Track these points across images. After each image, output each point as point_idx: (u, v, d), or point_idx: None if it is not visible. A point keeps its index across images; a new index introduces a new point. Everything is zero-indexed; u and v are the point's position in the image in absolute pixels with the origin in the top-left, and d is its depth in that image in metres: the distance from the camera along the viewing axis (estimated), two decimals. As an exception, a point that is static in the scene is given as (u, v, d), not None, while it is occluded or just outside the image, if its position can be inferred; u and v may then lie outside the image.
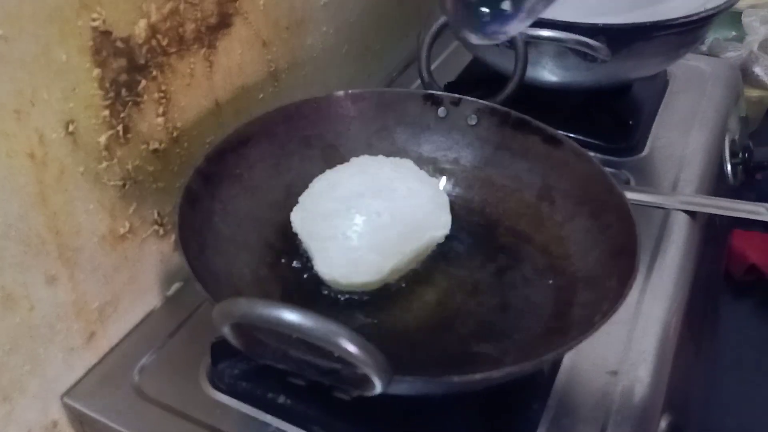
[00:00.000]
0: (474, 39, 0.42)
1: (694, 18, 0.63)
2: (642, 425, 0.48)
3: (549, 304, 0.50)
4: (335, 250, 0.49)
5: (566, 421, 0.48)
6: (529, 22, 0.43)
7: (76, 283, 0.47)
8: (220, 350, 0.49)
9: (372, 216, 0.50)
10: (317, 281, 0.51)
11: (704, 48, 1.09)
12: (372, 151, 0.58)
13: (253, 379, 0.49)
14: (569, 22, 0.62)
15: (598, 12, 0.71)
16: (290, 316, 0.31)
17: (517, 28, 0.43)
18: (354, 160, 0.56)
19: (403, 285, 0.52)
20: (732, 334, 0.83)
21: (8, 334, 0.43)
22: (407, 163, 0.56)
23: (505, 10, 0.42)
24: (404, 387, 0.38)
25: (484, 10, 0.41)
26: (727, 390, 0.78)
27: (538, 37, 0.62)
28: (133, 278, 0.52)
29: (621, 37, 0.63)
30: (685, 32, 0.65)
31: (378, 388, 0.34)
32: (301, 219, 0.52)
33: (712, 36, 1.10)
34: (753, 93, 1.07)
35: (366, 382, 0.34)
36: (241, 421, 0.48)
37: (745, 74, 1.07)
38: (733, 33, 1.11)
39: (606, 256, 0.48)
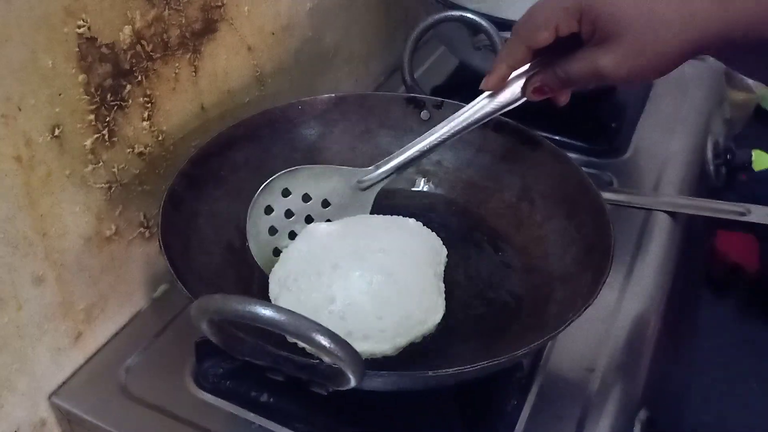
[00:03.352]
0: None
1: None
2: (619, 420, 0.49)
3: (527, 302, 0.51)
4: None
5: (545, 416, 0.49)
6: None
7: (63, 284, 0.48)
8: (205, 350, 0.50)
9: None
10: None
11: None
12: (355, 154, 0.59)
13: (237, 378, 0.50)
14: (549, 26, 0.63)
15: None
16: (265, 311, 0.32)
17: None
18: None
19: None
20: (712, 332, 0.84)
21: (-4, 333, 0.44)
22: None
23: None
24: (378, 382, 0.39)
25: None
26: (706, 386, 0.79)
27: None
28: (119, 280, 0.53)
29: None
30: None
31: (352, 382, 0.35)
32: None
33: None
34: (738, 96, 1.08)
35: (340, 376, 0.35)
36: (226, 419, 0.49)
37: (730, 77, 1.08)
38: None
39: (581, 255, 0.49)
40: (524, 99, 0.49)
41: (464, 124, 0.51)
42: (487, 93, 0.50)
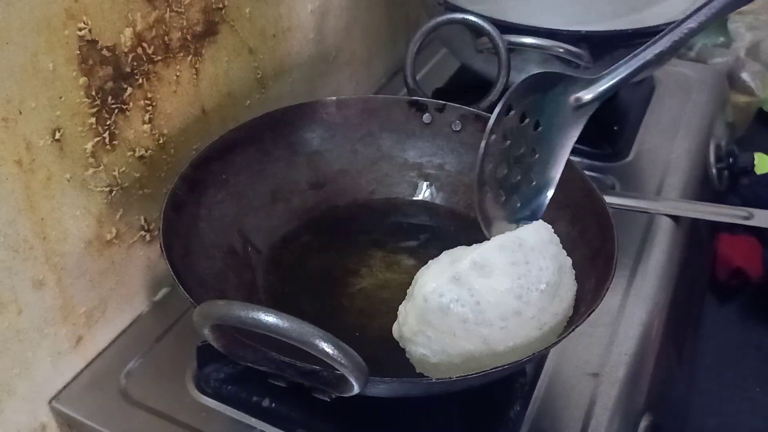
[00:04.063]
0: None
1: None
2: (622, 426, 0.49)
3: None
4: None
5: (548, 422, 0.49)
6: None
7: (64, 288, 0.48)
8: (206, 354, 0.50)
9: None
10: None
11: (692, 54, 1.10)
12: (357, 157, 0.59)
13: (239, 382, 0.49)
14: (552, 29, 0.63)
15: (582, 20, 0.72)
16: (268, 318, 0.32)
17: None
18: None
19: (387, 290, 0.53)
20: (715, 336, 0.84)
21: (-4, 337, 0.44)
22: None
23: None
24: (382, 388, 0.39)
25: None
26: (709, 392, 0.79)
27: (522, 45, 0.63)
28: (120, 283, 0.53)
29: (602, 44, 0.64)
30: (666, 39, 0.66)
31: (355, 389, 0.35)
32: None
33: (700, 42, 1.11)
34: (740, 99, 1.07)
35: (343, 383, 0.35)
36: (227, 424, 0.48)
37: (733, 80, 1.07)
38: (721, 39, 1.12)
39: (585, 260, 0.49)
40: None
41: (715, 9, 0.42)
42: None
